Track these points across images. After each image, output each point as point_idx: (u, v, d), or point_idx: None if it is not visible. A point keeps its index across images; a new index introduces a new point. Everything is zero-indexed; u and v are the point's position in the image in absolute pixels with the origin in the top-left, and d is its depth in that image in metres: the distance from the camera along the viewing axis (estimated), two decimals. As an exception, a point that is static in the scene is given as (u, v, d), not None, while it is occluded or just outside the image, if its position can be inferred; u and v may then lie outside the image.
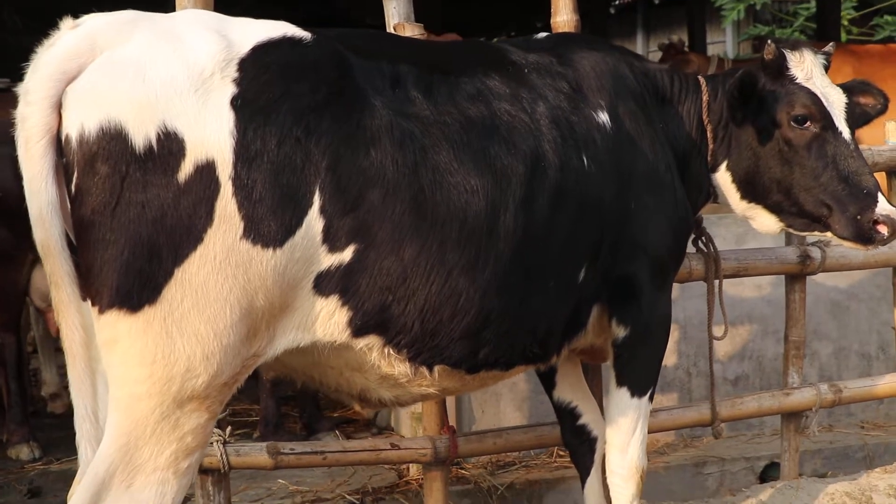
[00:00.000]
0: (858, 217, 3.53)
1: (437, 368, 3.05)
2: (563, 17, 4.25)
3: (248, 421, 5.98)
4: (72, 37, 2.61)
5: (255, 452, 3.86)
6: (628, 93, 3.49)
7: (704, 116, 3.69)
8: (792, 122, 3.56)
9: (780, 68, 3.62)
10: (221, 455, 3.78)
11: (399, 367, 2.99)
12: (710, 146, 3.70)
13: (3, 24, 12.31)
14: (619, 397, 3.55)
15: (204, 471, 3.79)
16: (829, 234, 3.64)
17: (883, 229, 3.51)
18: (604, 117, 3.35)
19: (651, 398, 3.60)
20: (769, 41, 3.68)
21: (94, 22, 2.65)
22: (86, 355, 2.67)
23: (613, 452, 3.58)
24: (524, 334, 3.18)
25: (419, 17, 4.25)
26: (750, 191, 3.69)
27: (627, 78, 3.54)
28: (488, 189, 2.97)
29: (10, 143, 5.14)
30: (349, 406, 6.47)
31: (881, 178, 5.48)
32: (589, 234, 3.26)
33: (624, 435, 3.56)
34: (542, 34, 3.83)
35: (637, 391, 3.55)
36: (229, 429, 3.87)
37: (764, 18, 16.67)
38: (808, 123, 3.57)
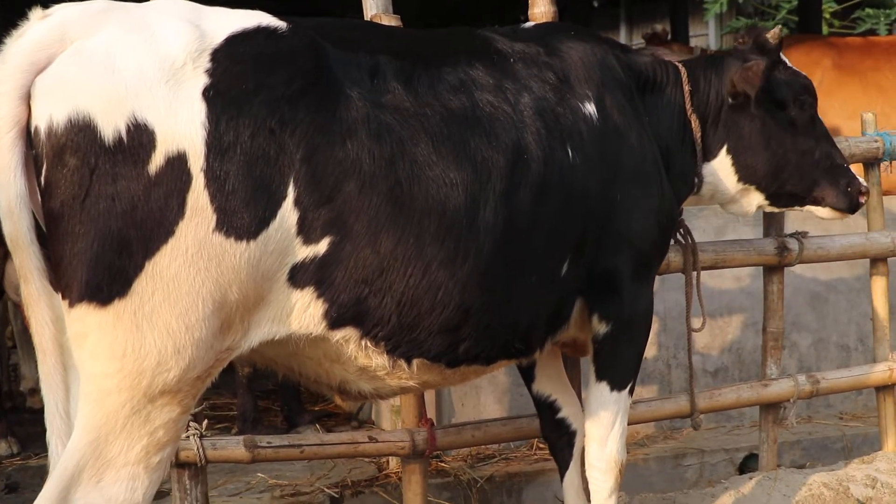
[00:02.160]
0: (849, 188, 3.80)
1: (415, 362, 3.03)
2: (541, 8, 4.24)
3: (229, 415, 5.97)
4: (41, 27, 2.57)
5: (232, 446, 3.84)
6: (616, 84, 3.47)
7: (688, 107, 3.70)
8: (796, 104, 3.72)
9: (779, 52, 3.76)
10: (198, 449, 3.76)
11: (377, 360, 2.97)
12: (697, 135, 3.71)
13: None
14: (599, 391, 3.53)
15: (181, 465, 3.77)
16: (810, 207, 3.85)
17: (863, 199, 3.82)
18: (590, 109, 3.33)
19: (631, 392, 3.58)
20: (770, 30, 3.78)
21: (65, 12, 2.61)
22: (56, 350, 2.63)
23: (592, 446, 3.57)
24: (506, 329, 3.15)
25: (398, 10, 4.23)
26: (750, 174, 3.76)
27: (615, 69, 3.52)
28: (468, 182, 2.94)
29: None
30: (330, 400, 6.48)
31: (858, 168, 5.51)
32: (573, 226, 3.23)
33: (603, 429, 3.54)
34: (530, 23, 3.82)
35: (617, 385, 3.53)
36: (206, 422, 3.86)
37: (746, 11, 16.71)
38: (808, 105, 3.76)
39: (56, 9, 2.62)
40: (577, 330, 3.52)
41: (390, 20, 4.12)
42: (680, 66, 3.78)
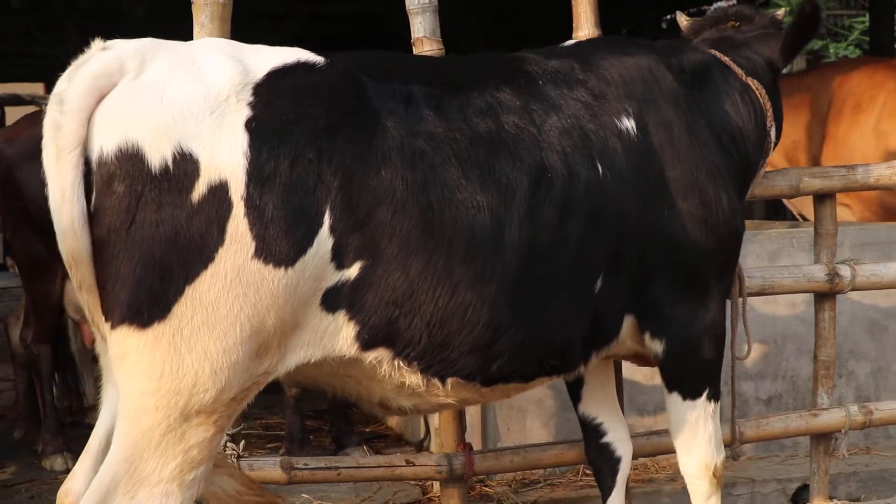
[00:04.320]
0: None
1: (449, 381, 3.08)
2: (585, 31, 4.23)
3: (281, 435, 6.01)
4: (104, 57, 2.71)
5: (269, 467, 3.87)
6: (663, 96, 3.47)
7: (745, 78, 3.74)
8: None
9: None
10: (235, 469, 3.78)
11: (411, 379, 3.03)
12: (764, 100, 3.77)
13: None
14: (673, 402, 3.58)
15: (219, 485, 3.79)
16: None
17: None
18: (628, 124, 3.34)
19: (712, 397, 3.58)
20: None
21: (122, 46, 2.75)
22: None
23: (681, 454, 3.63)
24: (539, 346, 3.18)
25: (452, 34, 4.23)
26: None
27: (663, 80, 3.51)
28: (493, 203, 3.00)
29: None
30: (381, 421, 6.50)
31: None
32: (604, 243, 3.23)
33: (686, 437, 3.59)
34: (571, 41, 3.82)
35: (690, 394, 3.55)
36: (243, 443, 3.89)
37: (819, 32, 16.46)
38: None
39: (113, 43, 2.77)
40: (636, 344, 3.52)
41: (432, 44, 4.14)
42: (714, 52, 3.80)
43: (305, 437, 5.61)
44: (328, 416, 5.94)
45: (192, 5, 3.84)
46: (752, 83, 3.76)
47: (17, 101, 10.60)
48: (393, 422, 6.28)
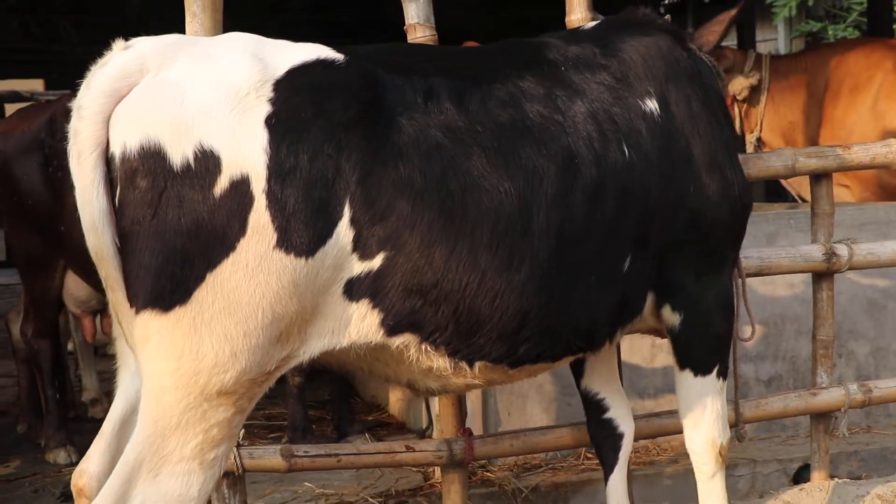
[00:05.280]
0: None
1: (477, 364, 3.13)
2: (578, 14, 4.21)
3: (283, 425, 6.02)
4: (123, 57, 2.78)
5: (269, 455, 3.88)
6: (683, 75, 3.52)
7: (722, 85, 3.82)
8: None
9: None
10: (235, 458, 3.81)
11: (438, 362, 3.09)
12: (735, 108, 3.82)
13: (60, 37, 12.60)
14: (683, 378, 3.60)
15: (219, 474, 3.81)
16: None
17: None
18: (651, 105, 3.39)
19: (721, 375, 3.61)
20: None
21: (144, 44, 2.82)
22: None
23: (688, 430, 3.65)
24: (567, 328, 3.23)
25: (447, 22, 4.24)
26: None
27: (681, 59, 3.57)
28: (520, 190, 3.04)
29: (38, 152, 5.22)
30: (383, 409, 6.52)
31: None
32: (632, 223, 3.29)
33: (694, 413, 3.61)
34: (591, 23, 3.83)
35: (700, 370, 3.58)
36: (243, 432, 3.90)
37: (817, 14, 16.42)
38: None
39: (136, 41, 2.84)
40: (654, 320, 3.57)
41: (425, 30, 4.14)
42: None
43: (308, 426, 5.63)
44: (330, 405, 5.95)
45: (185, -5, 3.85)
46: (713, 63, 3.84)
47: (15, 97, 10.61)
48: (395, 410, 6.29)
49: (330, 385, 5.92)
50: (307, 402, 5.82)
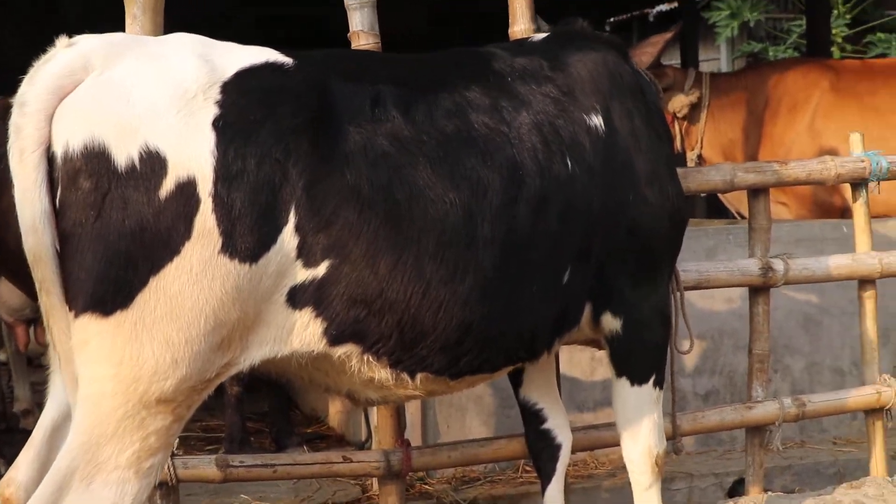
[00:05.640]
0: None
1: (419, 376, 3.12)
2: (521, 26, 4.24)
3: (221, 437, 5.95)
4: (68, 54, 2.72)
5: (204, 465, 3.83)
6: (627, 90, 3.56)
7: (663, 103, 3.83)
8: None
9: None
10: (169, 468, 3.75)
11: (380, 373, 3.08)
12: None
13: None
14: (620, 387, 3.63)
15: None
16: None
17: None
18: (596, 120, 3.42)
19: (658, 383, 3.64)
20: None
21: (89, 42, 2.77)
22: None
23: (624, 440, 3.66)
24: (508, 339, 3.24)
25: (405, 33, 4.24)
26: None
27: (626, 75, 3.60)
28: (465, 201, 3.04)
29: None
30: (323, 422, 6.47)
31: (845, 188, 5.47)
32: (574, 235, 3.31)
33: (631, 422, 3.63)
34: (539, 35, 3.85)
35: (637, 379, 3.61)
36: (177, 441, 3.83)
37: (758, 35, 16.68)
38: None
39: (80, 38, 2.78)
40: (592, 331, 3.59)
41: (368, 38, 4.13)
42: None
43: (246, 437, 5.57)
44: (269, 417, 5.90)
45: (125, -3, 3.81)
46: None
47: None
48: (335, 422, 6.25)
49: (269, 397, 5.86)
50: (246, 413, 5.74)
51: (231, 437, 5.51)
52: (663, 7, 15.23)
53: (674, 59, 11.93)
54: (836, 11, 14.55)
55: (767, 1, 16.61)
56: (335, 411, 6.21)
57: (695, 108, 7.43)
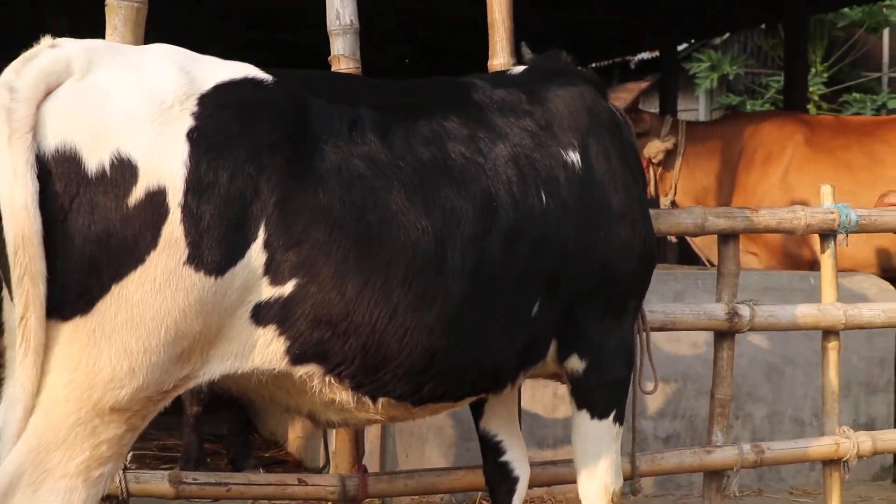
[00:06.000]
0: None
1: (381, 400, 3.10)
2: (500, 59, 4.26)
3: (177, 457, 5.88)
4: (52, 53, 2.70)
5: (157, 480, 3.78)
6: (604, 128, 3.57)
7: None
8: None
9: None
10: (120, 481, 3.70)
11: (341, 395, 3.05)
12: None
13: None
14: (580, 421, 3.61)
15: (103, 497, 3.69)
16: None
17: None
18: (573, 156, 3.42)
19: (618, 419, 3.63)
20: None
21: (70, 46, 2.75)
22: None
23: (581, 477, 3.64)
24: (473, 369, 3.23)
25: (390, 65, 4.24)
26: None
27: (603, 112, 3.62)
28: (437, 229, 3.03)
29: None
30: (281, 446, 6.42)
31: (815, 242, 5.51)
32: (545, 269, 3.30)
33: (588, 457, 3.61)
34: (519, 67, 3.86)
35: (598, 414, 3.59)
36: (130, 454, 3.79)
37: (737, 89, 16.87)
38: None
39: (62, 41, 2.76)
40: (556, 365, 3.57)
41: (349, 62, 4.14)
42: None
43: (202, 457, 5.51)
44: (227, 439, 5.84)
45: (106, 7, 3.80)
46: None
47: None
48: (293, 448, 6.20)
49: (228, 418, 5.81)
50: (204, 433, 5.69)
51: (187, 456, 5.45)
52: (644, 55, 15.39)
53: (653, 108, 12.04)
54: (813, 70, 14.74)
55: (747, 56, 16.82)
56: (294, 436, 6.16)
57: (670, 155, 7.47)
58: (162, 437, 6.24)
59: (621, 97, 4.02)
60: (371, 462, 4.72)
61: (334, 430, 4.33)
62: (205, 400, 5.39)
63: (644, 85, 4.19)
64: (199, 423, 5.52)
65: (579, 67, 3.84)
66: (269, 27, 10.55)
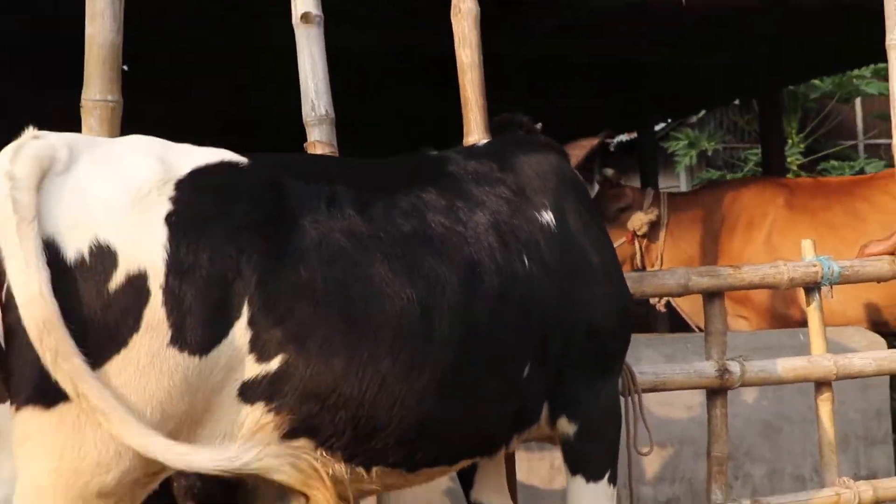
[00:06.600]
0: None
1: (374, 469, 3.09)
2: (476, 136, 4.34)
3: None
4: (40, 143, 2.76)
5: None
6: (572, 189, 3.66)
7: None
8: None
9: None
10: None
11: (334, 468, 3.02)
12: None
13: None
14: (576, 485, 3.62)
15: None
16: None
17: None
18: (548, 217, 3.50)
19: (612, 480, 3.64)
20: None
21: (52, 138, 2.81)
22: None
23: None
24: (466, 433, 3.25)
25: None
26: None
27: (569, 173, 3.73)
28: (422, 297, 3.06)
29: None
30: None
31: (798, 293, 5.56)
32: (531, 332, 3.34)
33: None
34: (483, 141, 3.95)
35: (593, 476, 3.60)
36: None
37: (716, 164, 17.09)
38: None
39: (45, 134, 2.82)
40: (548, 427, 3.59)
41: (325, 148, 4.21)
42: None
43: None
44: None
45: (81, 109, 3.87)
46: None
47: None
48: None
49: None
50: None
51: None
52: (623, 137, 15.60)
53: (636, 185, 12.16)
54: (790, 141, 14.96)
55: (724, 131, 17.08)
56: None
57: (654, 226, 7.56)
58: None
59: (575, 153, 4.12)
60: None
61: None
62: (199, 496, 5.35)
63: (595, 142, 4.28)
64: (193, 495, 5.46)
65: (538, 133, 3.94)
66: (244, 133, 10.71)
